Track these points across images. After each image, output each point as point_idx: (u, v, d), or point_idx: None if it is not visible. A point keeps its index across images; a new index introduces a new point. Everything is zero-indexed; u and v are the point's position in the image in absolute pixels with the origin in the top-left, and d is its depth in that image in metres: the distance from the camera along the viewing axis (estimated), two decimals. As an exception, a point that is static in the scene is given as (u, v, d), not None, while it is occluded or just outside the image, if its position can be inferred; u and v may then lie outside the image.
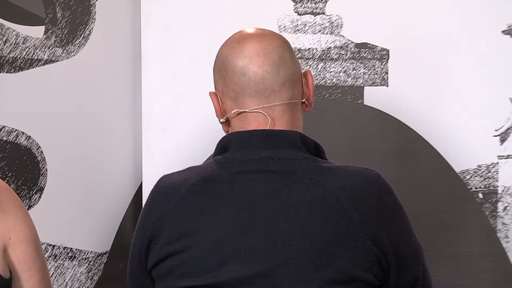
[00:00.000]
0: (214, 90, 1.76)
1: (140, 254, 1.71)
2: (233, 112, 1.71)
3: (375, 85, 2.48)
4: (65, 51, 2.46)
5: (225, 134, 1.74)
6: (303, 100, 1.74)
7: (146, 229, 1.69)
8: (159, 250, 1.66)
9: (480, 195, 2.43)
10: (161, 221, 1.67)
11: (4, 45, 2.34)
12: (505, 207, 2.42)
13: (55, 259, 2.46)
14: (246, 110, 1.70)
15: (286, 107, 1.71)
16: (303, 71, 1.75)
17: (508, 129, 2.42)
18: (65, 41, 2.46)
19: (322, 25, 2.50)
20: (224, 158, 1.69)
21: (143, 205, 1.75)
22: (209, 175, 1.66)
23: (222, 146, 1.71)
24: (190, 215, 1.64)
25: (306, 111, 1.76)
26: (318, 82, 2.48)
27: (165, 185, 1.71)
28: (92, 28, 2.52)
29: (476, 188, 2.43)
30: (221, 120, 1.74)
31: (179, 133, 2.57)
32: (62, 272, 2.48)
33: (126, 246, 1.80)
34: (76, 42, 2.49)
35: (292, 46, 1.85)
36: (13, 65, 2.36)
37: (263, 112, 1.70)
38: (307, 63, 2.49)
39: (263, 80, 1.69)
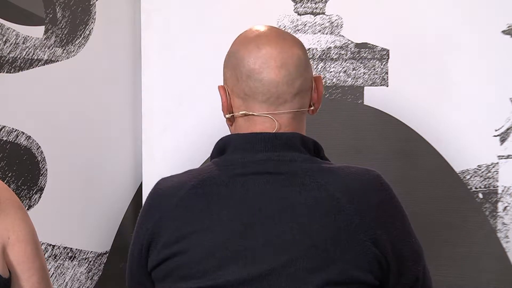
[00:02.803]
0: (222, 84, 1.74)
1: (139, 256, 1.70)
2: (240, 113, 1.70)
3: (375, 85, 2.48)
4: (65, 51, 2.46)
5: (224, 134, 1.73)
6: (311, 107, 1.73)
7: (146, 231, 1.68)
8: (158, 252, 1.65)
9: (480, 195, 2.43)
10: (160, 223, 1.66)
11: (4, 45, 2.34)
12: (505, 207, 2.42)
13: (55, 259, 2.45)
14: (254, 114, 1.70)
15: (294, 115, 1.70)
16: (314, 76, 1.73)
17: (508, 129, 2.41)
18: (65, 41, 2.46)
19: (322, 25, 2.50)
20: (223, 160, 1.68)
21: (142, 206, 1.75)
22: (208, 177, 1.65)
23: (220, 148, 1.70)
24: (189, 217, 1.64)
25: (310, 114, 1.74)
26: (318, 82, 2.48)
27: (164, 187, 1.70)
28: (92, 28, 2.52)
29: (476, 188, 2.43)
30: (227, 116, 1.73)
31: (179, 133, 2.56)
32: (62, 272, 2.48)
33: (126, 246, 1.79)
34: (76, 42, 2.49)
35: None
36: (13, 65, 2.36)
37: (272, 118, 1.69)
38: (307, 63, 2.49)
39: (277, 89, 1.67)
